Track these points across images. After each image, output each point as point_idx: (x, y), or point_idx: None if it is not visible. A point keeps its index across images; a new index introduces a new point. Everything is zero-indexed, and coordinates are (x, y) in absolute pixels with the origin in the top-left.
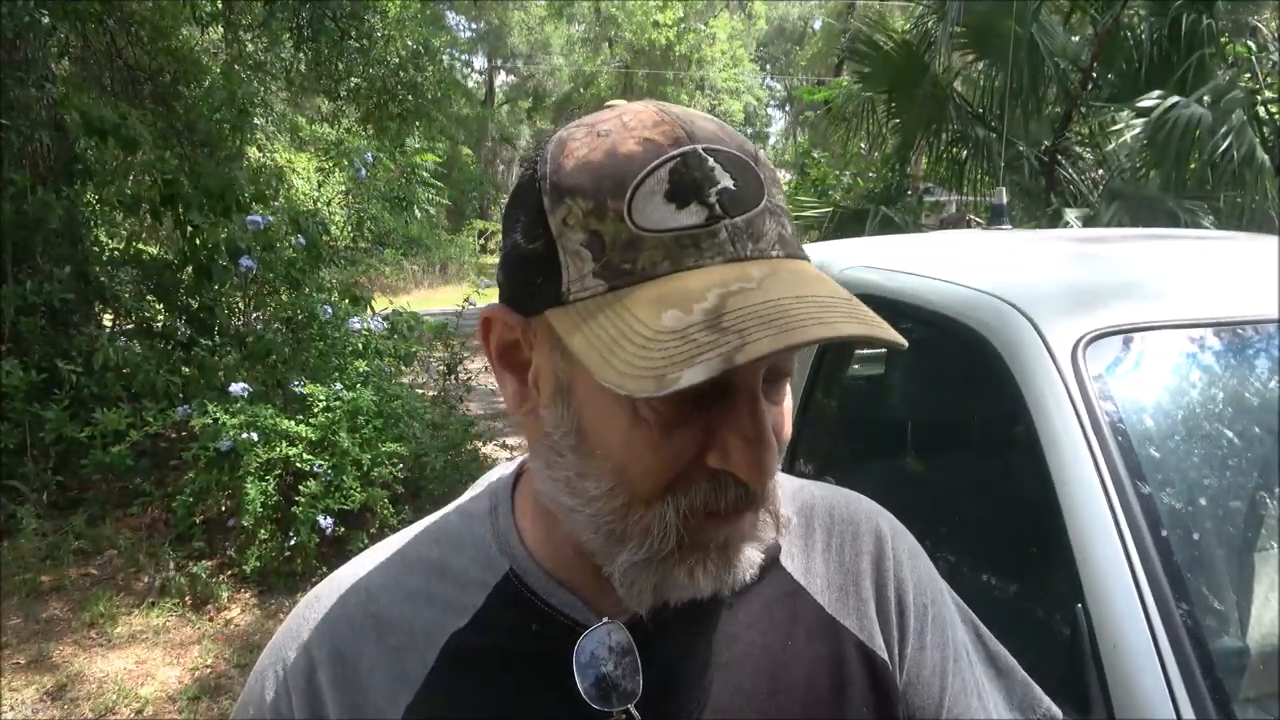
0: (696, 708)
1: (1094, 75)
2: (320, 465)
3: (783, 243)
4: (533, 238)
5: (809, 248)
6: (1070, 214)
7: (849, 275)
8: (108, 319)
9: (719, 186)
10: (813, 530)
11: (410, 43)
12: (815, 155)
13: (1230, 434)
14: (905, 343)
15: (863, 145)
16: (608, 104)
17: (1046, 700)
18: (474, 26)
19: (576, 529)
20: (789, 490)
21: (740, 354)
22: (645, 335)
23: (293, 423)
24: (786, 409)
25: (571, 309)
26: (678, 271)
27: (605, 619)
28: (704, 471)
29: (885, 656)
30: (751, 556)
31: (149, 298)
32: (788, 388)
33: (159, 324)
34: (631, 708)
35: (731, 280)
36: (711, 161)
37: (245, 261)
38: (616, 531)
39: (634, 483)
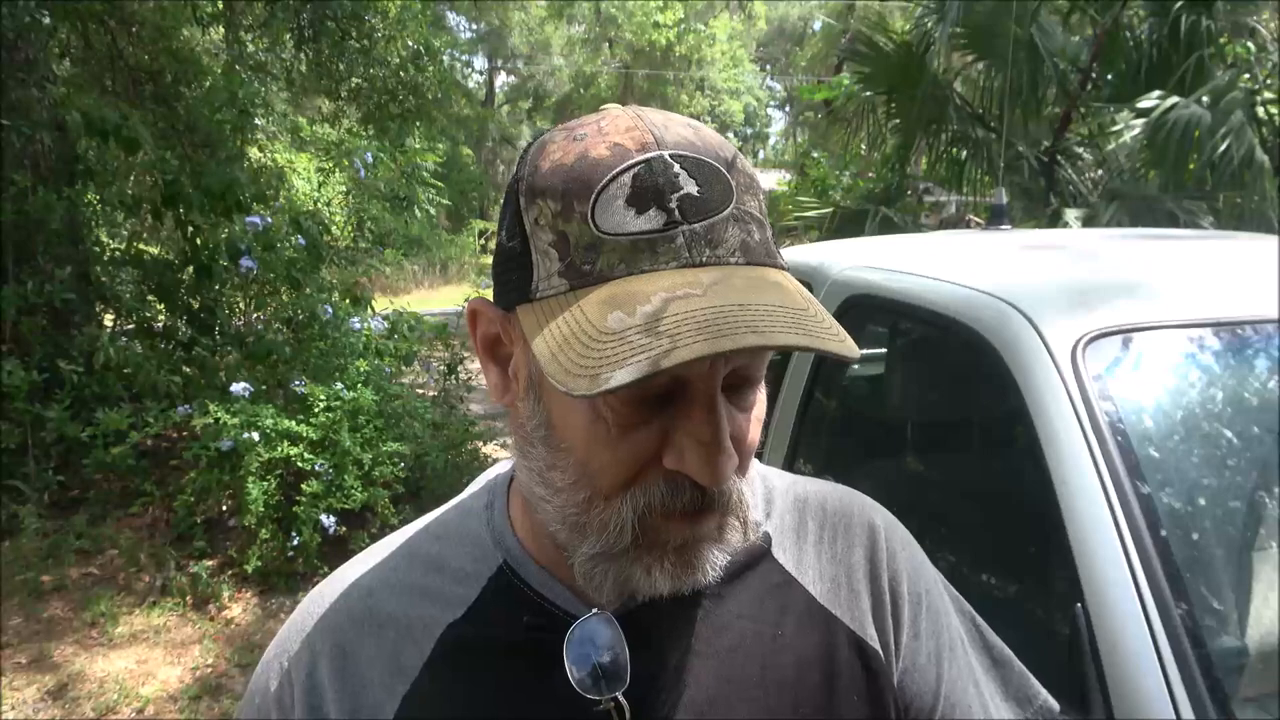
0: (685, 696)
1: (1093, 76)
2: (321, 465)
3: (745, 250)
4: (511, 235)
5: (809, 248)
6: (1070, 214)
7: (849, 275)
8: (109, 319)
9: (681, 193)
10: (805, 523)
11: (411, 43)
12: (815, 155)
13: (1230, 434)
14: (855, 355)
15: (863, 145)
16: (602, 107)
17: (1043, 692)
18: (474, 27)
19: (546, 519)
20: (781, 485)
21: (667, 358)
22: (590, 335)
23: (294, 422)
24: (756, 416)
25: (537, 306)
26: (632, 275)
27: (595, 610)
28: (661, 472)
29: (877, 647)
30: (714, 559)
31: (150, 298)
32: (760, 395)
33: (160, 324)
34: (620, 696)
35: (679, 285)
36: (677, 168)
37: (246, 262)
38: (579, 524)
39: (594, 478)
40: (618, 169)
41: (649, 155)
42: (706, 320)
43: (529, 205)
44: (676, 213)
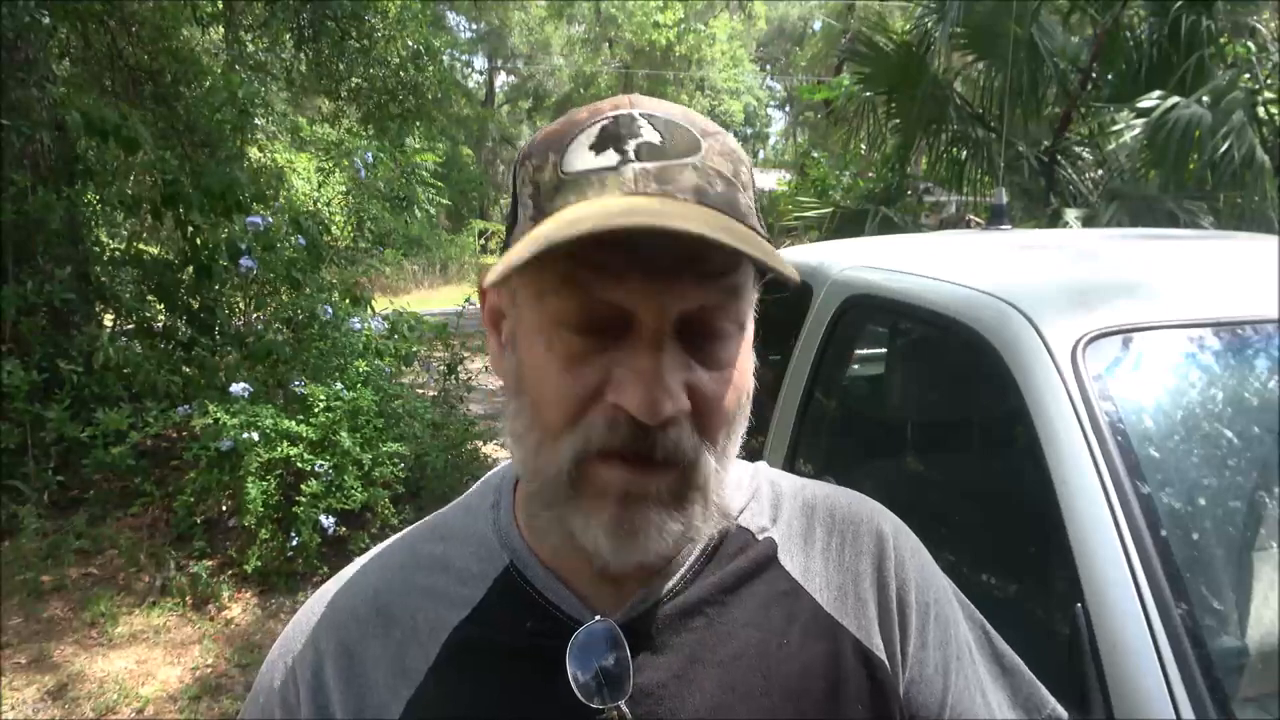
0: (688, 705)
1: (1094, 75)
2: (321, 465)
3: (699, 193)
4: (512, 204)
5: (809, 248)
6: (1070, 214)
7: (849, 275)
8: (109, 319)
9: (641, 140)
10: (813, 529)
11: (411, 43)
12: (815, 155)
13: (1230, 434)
14: (792, 275)
15: (863, 145)
16: None
17: (1052, 701)
18: (474, 27)
19: (523, 480)
20: (790, 490)
21: (558, 234)
22: (523, 241)
23: (293, 423)
24: (732, 382)
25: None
26: (580, 202)
27: (599, 616)
28: (604, 410)
29: (883, 656)
30: (663, 527)
31: (150, 298)
32: (740, 364)
33: (160, 324)
34: (622, 704)
35: (615, 204)
36: (643, 122)
37: (245, 262)
38: (532, 469)
39: (543, 415)
40: (589, 122)
41: (619, 112)
42: (616, 212)
43: (520, 169)
44: (631, 154)
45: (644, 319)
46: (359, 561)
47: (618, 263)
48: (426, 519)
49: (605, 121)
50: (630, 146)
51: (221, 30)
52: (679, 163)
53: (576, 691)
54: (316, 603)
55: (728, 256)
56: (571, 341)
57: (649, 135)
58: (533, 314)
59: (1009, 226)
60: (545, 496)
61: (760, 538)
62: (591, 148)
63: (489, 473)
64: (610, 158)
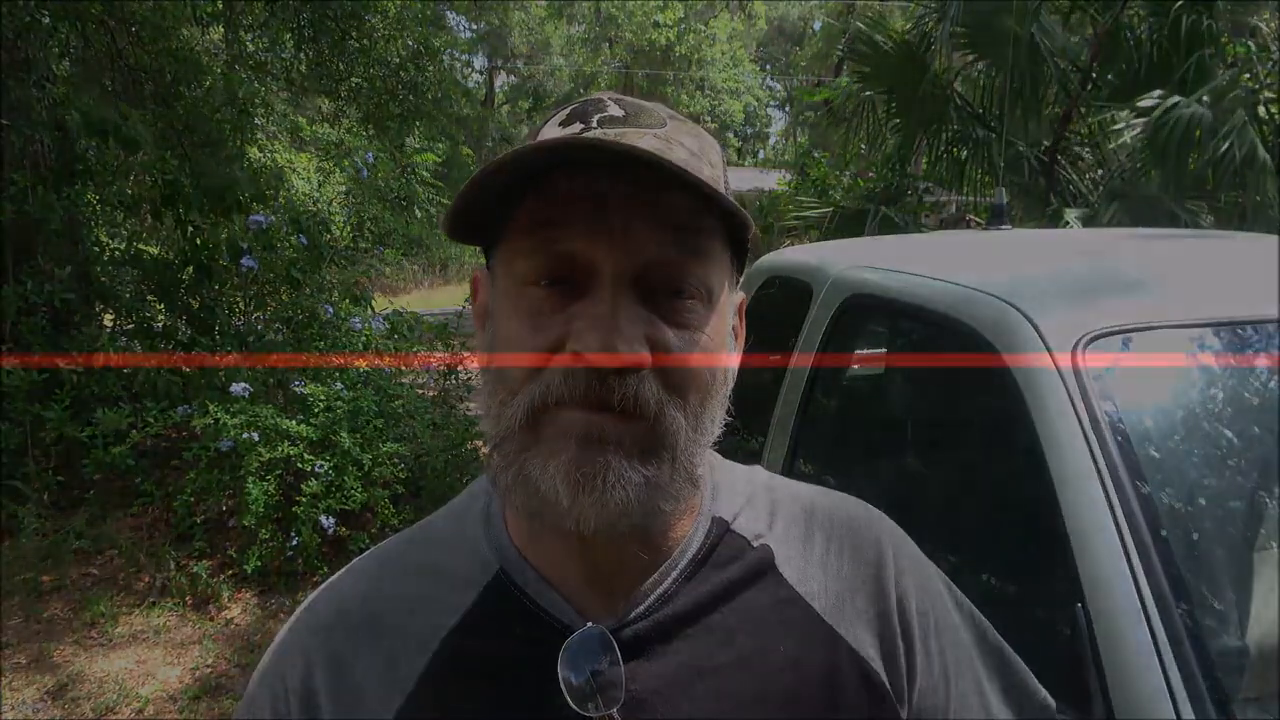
0: (682, 713)
1: (1094, 75)
2: (321, 465)
3: (659, 152)
4: None
5: (809, 248)
6: (1070, 214)
7: (849, 275)
8: (109, 319)
9: (605, 114)
10: (812, 535)
11: (411, 43)
12: (815, 155)
13: (1230, 434)
14: (747, 220)
15: (863, 145)
16: None
17: (1042, 690)
18: (474, 27)
19: (490, 447)
20: (787, 495)
21: (501, 160)
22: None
23: (293, 423)
24: (701, 344)
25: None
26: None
27: (590, 623)
28: (562, 361)
29: (879, 667)
30: (627, 475)
31: (150, 298)
32: (704, 325)
33: (160, 324)
34: (615, 712)
35: (573, 138)
36: (612, 104)
37: (246, 262)
38: (495, 432)
39: (506, 375)
40: (564, 108)
41: (591, 97)
42: (560, 146)
43: None
44: (594, 123)
45: (604, 268)
46: (350, 568)
47: (580, 216)
48: (418, 524)
49: (575, 105)
50: (594, 120)
51: (221, 30)
52: (640, 130)
53: (569, 699)
54: (306, 610)
55: (689, 210)
56: (536, 297)
57: (614, 110)
58: (505, 283)
59: (1009, 226)
60: (506, 451)
61: (755, 544)
62: (560, 124)
63: (479, 478)
64: (574, 128)
